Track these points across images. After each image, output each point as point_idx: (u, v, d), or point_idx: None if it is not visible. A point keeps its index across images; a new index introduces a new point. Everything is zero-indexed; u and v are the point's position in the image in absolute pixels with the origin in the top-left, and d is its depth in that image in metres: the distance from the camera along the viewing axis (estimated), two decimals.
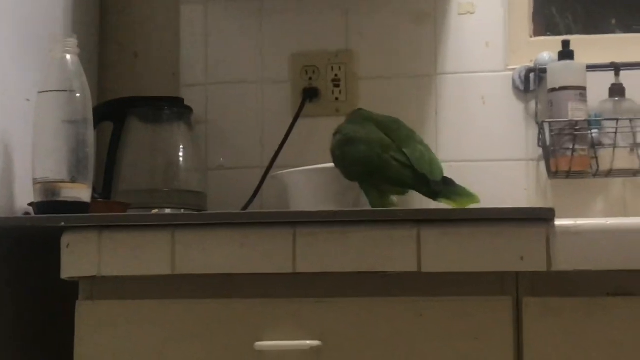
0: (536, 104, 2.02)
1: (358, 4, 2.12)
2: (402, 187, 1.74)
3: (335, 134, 1.80)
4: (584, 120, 1.93)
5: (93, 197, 1.65)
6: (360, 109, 1.85)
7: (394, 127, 1.77)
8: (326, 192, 1.83)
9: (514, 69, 2.06)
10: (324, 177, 1.82)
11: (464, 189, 1.66)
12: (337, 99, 2.11)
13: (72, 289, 1.54)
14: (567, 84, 1.95)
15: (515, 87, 2.06)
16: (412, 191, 1.72)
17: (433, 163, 1.72)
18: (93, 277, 1.49)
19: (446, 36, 2.09)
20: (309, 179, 1.86)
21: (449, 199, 1.64)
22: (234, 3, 2.17)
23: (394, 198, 1.76)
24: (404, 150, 1.72)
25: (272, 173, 2.03)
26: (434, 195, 1.67)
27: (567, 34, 2.11)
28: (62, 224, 1.49)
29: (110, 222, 1.50)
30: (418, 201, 1.82)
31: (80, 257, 1.49)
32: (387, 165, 1.71)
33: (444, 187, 1.67)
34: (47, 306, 1.75)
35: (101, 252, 1.49)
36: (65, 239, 1.50)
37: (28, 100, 1.66)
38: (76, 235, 1.50)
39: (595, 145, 1.94)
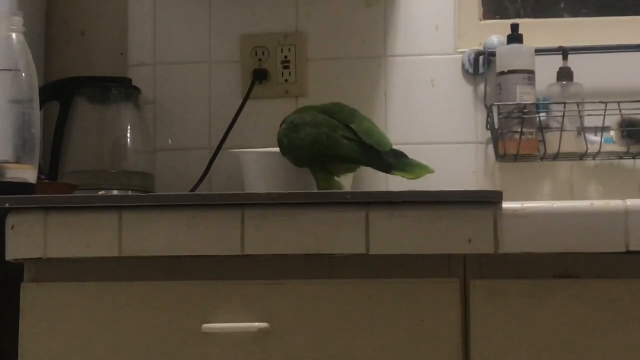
0: (485, 87, 2.03)
1: None
2: (353, 162, 1.74)
3: (281, 124, 1.80)
4: (532, 104, 1.94)
5: (39, 178, 1.63)
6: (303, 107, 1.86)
7: (336, 109, 1.78)
8: (279, 175, 1.83)
9: (463, 52, 2.06)
10: (277, 161, 1.82)
11: (416, 161, 1.67)
12: (286, 80, 2.10)
13: (17, 270, 1.52)
14: (516, 67, 1.96)
15: (464, 70, 2.06)
16: (362, 171, 1.72)
17: (380, 135, 1.73)
18: (38, 259, 1.48)
19: (396, 18, 2.09)
20: (263, 161, 1.85)
21: (403, 170, 1.65)
22: None
23: (340, 180, 1.76)
24: (351, 125, 1.72)
25: (220, 154, 2.02)
26: (387, 168, 1.68)
27: (516, 17, 2.12)
28: (7, 205, 1.47)
29: (56, 203, 1.48)
30: (368, 187, 1.82)
31: (25, 238, 1.48)
32: (336, 143, 1.72)
33: (396, 160, 1.67)
34: None
35: (47, 234, 1.47)
36: (10, 220, 1.48)
37: None
38: (21, 216, 1.48)
39: (542, 128, 1.95)
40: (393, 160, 1.68)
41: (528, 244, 1.41)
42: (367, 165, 1.72)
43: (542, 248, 1.41)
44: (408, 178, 1.64)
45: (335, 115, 1.76)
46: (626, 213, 1.40)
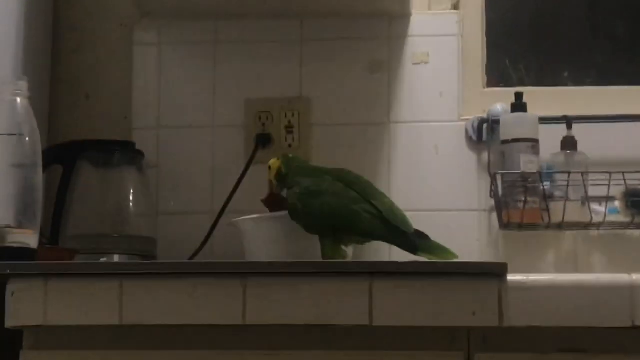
0: (488, 155, 2.03)
1: (313, 52, 2.12)
2: (376, 239, 1.73)
3: (288, 185, 1.79)
4: (536, 173, 1.94)
5: (40, 243, 1.62)
6: (292, 157, 1.84)
7: (351, 179, 1.77)
8: (281, 239, 1.82)
9: (467, 120, 2.07)
10: (279, 225, 1.81)
11: (439, 243, 1.67)
12: (290, 145, 2.10)
13: (16, 338, 1.50)
14: (520, 136, 1.96)
15: (468, 138, 2.06)
16: (367, 244, 1.71)
17: (403, 215, 1.72)
18: (38, 326, 1.46)
19: (400, 85, 2.10)
20: (266, 226, 1.84)
21: (429, 253, 1.64)
22: (188, 46, 2.16)
23: (346, 250, 1.76)
24: (373, 202, 1.71)
25: (223, 219, 2.01)
26: (413, 249, 1.67)
27: (520, 85, 2.13)
28: (8, 271, 1.46)
29: (57, 270, 1.46)
30: (373, 254, 1.81)
31: (26, 305, 1.46)
32: (359, 218, 1.70)
33: (421, 241, 1.67)
34: None
35: (47, 301, 1.45)
36: (11, 286, 1.47)
37: None
38: (22, 283, 1.46)
39: (547, 197, 1.94)
40: (418, 241, 1.67)
41: (533, 317, 1.39)
42: (391, 242, 1.71)
43: (547, 322, 1.39)
44: (434, 260, 1.63)
45: (353, 186, 1.75)
46: (632, 287, 1.38)
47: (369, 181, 1.80)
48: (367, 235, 1.73)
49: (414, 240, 1.67)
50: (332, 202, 1.73)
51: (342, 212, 1.72)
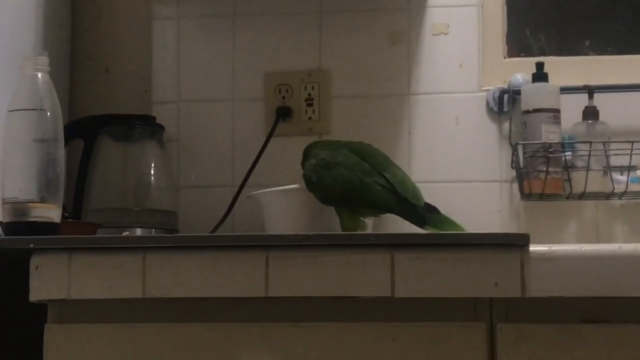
0: (510, 125, 2.02)
1: (332, 23, 2.11)
2: (386, 211, 1.73)
3: (306, 159, 1.79)
4: (558, 143, 1.93)
5: (63, 217, 1.63)
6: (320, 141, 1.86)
7: (368, 151, 1.77)
8: (300, 212, 1.82)
9: (487, 90, 2.06)
10: (299, 198, 1.81)
11: (448, 217, 1.67)
12: (310, 118, 2.10)
13: (41, 311, 1.51)
14: (541, 106, 1.95)
15: (488, 108, 2.05)
16: (387, 215, 1.71)
17: (415, 188, 1.72)
18: (62, 300, 1.47)
19: (420, 56, 2.09)
20: (284, 198, 1.85)
21: (437, 227, 1.64)
22: (207, 19, 2.16)
23: (364, 220, 1.76)
24: (384, 174, 1.72)
25: (244, 192, 2.01)
26: (420, 222, 1.67)
27: (540, 55, 2.11)
28: (31, 245, 1.47)
29: (80, 244, 1.47)
30: (391, 225, 1.81)
31: (50, 279, 1.47)
32: (370, 190, 1.71)
33: (430, 215, 1.67)
34: (15, 329, 1.72)
35: (71, 275, 1.46)
36: (35, 260, 1.48)
37: None
38: (46, 257, 1.47)
39: (568, 167, 1.94)
40: (427, 215, 1.67)
41: (556, 287, 1.39)
42: (400, 215, 1.71)
43: (571, 292, 1.39)
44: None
45: (368, 159, 1.75)
46: None
47: (385, 154, 1.80)
48: (378, 208, 1.73)
49: (423, 214, 1.67)
50: (345, 173, 1.73)
51: (354, 183, 1.72)
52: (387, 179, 1.71)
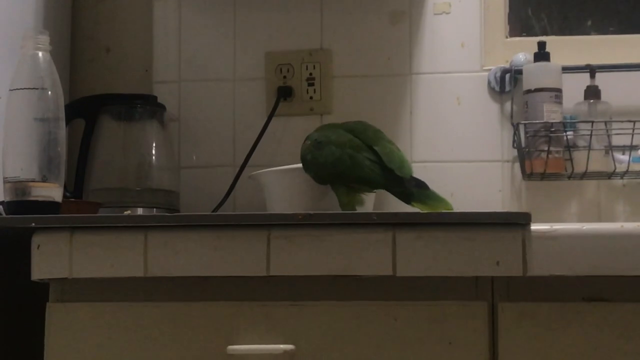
0: (511, 105, 2.01)
1: (333, 3, 2.10)
2: (374, 186, 1.73)
3: (305, 141, 1.79)
4: (559, 122, 1.93)
5: (64, 196, 1.63)
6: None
7: (360, 128, 1.77)
8: (302, 192, 1.82)
9: (489, 70, 2.05)
10: (300, 177, 1.81)
11: (436, 194, 1.65)
12: (311, 97, 2.09)
13: (42, 290, 1.51)
14: (543, 85, 1.95)
15: (490, 88, 2.05)
16: (389, 196, 1.71)
17: (402, 160, 1.71)
18: (64, 279, 1.47)
19: (421, 36, 2.08)
20: (286, 178, 1.84)
21: (423, 203, 1.63)
22: None
23: (362, 196, 1.76)
24: (374, 147, 1.71)
25: (245, 172, 2.01)
26: (407, 197, 1.66)
27: (542, 35, 2.11)
28: (33, 224, 1.47)
29: (82, 223, 1.47)
30: (393, 205, 1.81)
31: (51, 258, 1.47)
32: (359, 165, 1.70)
33: (417, 190, 1.66)
34: (17, 308, 1.72)
35: (72, 254, 1.46)
36: (36, 239, 1.48)
37: None
38: (47, 236, 1.48)
39: (570, 147, 1.93)
40: (414, 190, 1.66)
41: (557, 266, 1.39)
42: (387, 190, 1.70)
43: (572, 271, 1.39)
44: (425, 211, 1.61)
45: (359, 135, 1.75)
46: None
47: (378, 129, 1.78)
48: (367, 183, 1.72)
49: (410, 188, 1.66)
50: (336, 151, 1.73)
51: (344, 160, 1.72)
52: (377, 152, 1.71)
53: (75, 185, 1.93)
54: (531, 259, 1.39)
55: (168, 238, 1.45)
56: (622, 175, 1.94)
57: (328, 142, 1.75)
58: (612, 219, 1.97)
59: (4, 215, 1.57)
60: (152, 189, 1.97)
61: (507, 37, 2.11)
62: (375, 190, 1.78)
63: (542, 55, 1.98)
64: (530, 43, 2.04)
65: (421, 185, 1.67)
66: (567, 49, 2.05)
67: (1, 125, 1.58)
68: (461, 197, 1.92)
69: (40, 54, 1.59)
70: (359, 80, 2.09)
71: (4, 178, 1.56)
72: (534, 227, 1.40)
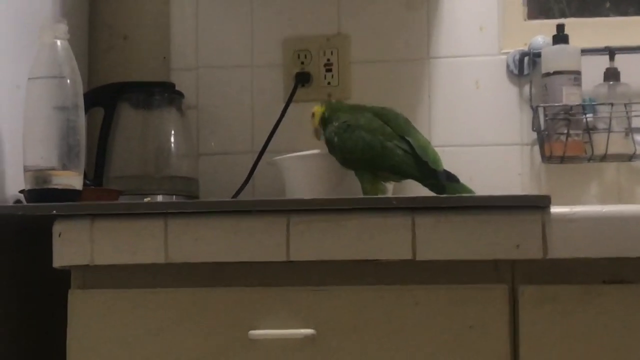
0: (530, 88, 2.01)
1: None
2: (406, 176, 1.73)
3: (328, 122, 1.79)
4: (579, 105, 1.92)
5: (84, 184, 1.64)
6: (335, 102, 1.85)
7: (390, 116, 1.77)
8: (321, 177, 1.82)
9: (508, 53, 2.04)
10: (319, 163, 1.81)
11: (467, 187, 1.67)
12: (329, 83, 2.09)
13: (64, 277, 1.52)
14: (562, 68, 1.94)
15: (509, 71, 2.04)
16: (408, 180, 1.71)
17: (435, 153, 1.72)
18: (85, 265, 1.48)
19: (439, 20, 2.08)
20: (305, 164, 1.85)
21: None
22: None
23: (385, 184, 1.76)
24: (407, 138, 1.71)
25: (264, 158, 2.01)
26: (440, 189, 1.67)
27: (561, 17, 2.10)
28: (54, 212, 1.47)
29: (102, 210, 1.48)
30: (412, 189, 1.81)
31: (73, 245, 1.48)
32: (391, 154, 1.71)
33: (449, 184, 1.66)
34: (39, 295, 1.73)
35: (93, 241, 1.47)
36: (57, 227, 1.49)
37: (18, 87, 1.64)
38: (68, 223, 1.48)
39: (589, 129, 1.93)
40: (445, 183, 1.67)
41: (577, 249, 1.39)
42: (419, 181, 1.71)
43: (592, 253, 1.39)
44: None
45: (390, 123, 1.75)
46: None
47: (408, 119, 1.79)
48: (398, 172, 1.72)
49: (442, 181, 1.67)
50: (367, 137, 1.73)
51: (375, 147, 1.72)
52: (410, 143, 1.71)
53: (95, 174, 1.94)
54: (551, 241, 1.39)
55: (188, 225, 1.46)
56: None
57: (357, 126, 1.75)
58: (632, 200, 1.96)
59: (25, 203, 1.58)
60: (172, 176, 1.97)
61: (525, 20, 2.10)
62: (402, 181, 1.78)
63: (560, 37, 1.97)
64: (548, 26, 2.03)
65: (452, 178, 1.68)
66: (586, 31, 2.04)
67: (21, 114, 1.59)
68: (480, 181, 1.91)
69: (58, 42, 1.60)
70: (377, 66, 2.09)
71: (25, 167, 1.57)
72: (554, 209, 1.40)
